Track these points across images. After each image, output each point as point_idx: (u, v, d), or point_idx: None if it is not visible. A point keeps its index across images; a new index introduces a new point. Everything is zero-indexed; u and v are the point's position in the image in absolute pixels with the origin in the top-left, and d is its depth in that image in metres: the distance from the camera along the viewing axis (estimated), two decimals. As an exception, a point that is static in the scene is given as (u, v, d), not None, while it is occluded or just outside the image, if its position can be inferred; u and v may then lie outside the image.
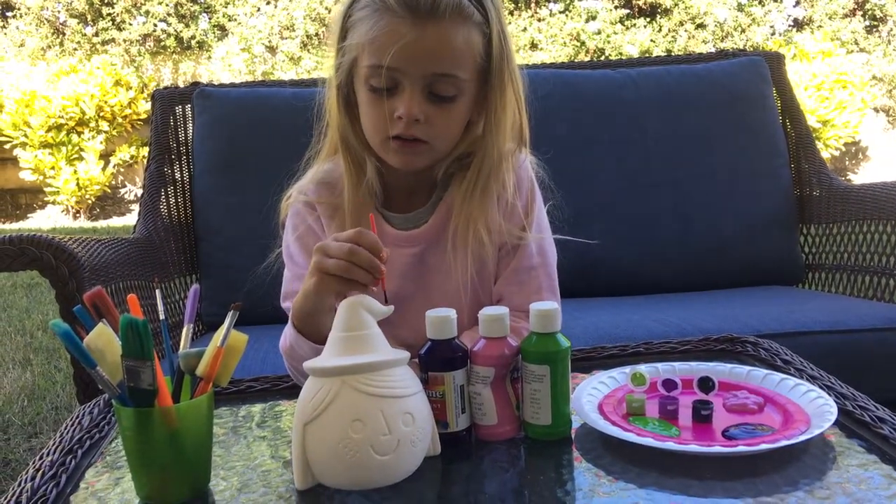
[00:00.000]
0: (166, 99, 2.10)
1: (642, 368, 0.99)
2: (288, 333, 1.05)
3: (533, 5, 7.97)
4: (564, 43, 7.68)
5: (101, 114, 6.71)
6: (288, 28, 7.63)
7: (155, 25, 7.74)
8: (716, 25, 7.73)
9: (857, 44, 7.88)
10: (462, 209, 1.12)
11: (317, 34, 7.61)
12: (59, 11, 7.76)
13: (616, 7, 7.81)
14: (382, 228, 1.15)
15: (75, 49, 7.70)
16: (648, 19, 7.93)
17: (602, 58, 7.27)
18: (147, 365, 0.72)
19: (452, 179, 1.16)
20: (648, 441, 0.81)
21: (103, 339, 0.75)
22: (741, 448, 0.79)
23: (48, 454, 0.88)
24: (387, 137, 1.05)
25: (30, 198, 7.12)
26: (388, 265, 1.14)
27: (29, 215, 7.02)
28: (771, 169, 2.12)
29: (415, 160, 1.08)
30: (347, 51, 1.06)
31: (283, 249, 1.20)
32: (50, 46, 7.72)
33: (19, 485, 0.81)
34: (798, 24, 8.04)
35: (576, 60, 6.87)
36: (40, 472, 0.83)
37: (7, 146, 6.60)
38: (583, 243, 1.42)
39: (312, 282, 0.94)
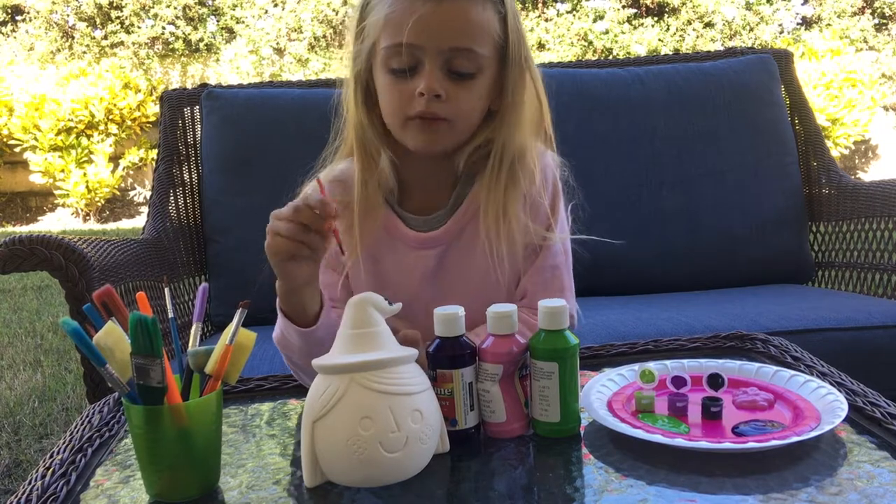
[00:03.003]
0: (175, 100, 2.10)
1: (651, 365, 0.98)
2: (278, 322, 1.05)
3: (540, 5, 7.97)
4: (572, 43, 7.67)
5: (111, 117, 6.74)
6: (295, 30, 7.65)
7: (163, 28, 7.77)
8: (724, 24, 7.71)
9: (866, 42, 7.85)
10: (490, 201, 1.12)
11: (324, 36, 7.62)
12: (68, 15, 7.80)
13: (624, 7, 7.80)
14: (400, 231, 1.15)
15: (84, 52, 7.74)
16: (656, 19, 7.92)
17: (610, 57, 7.26)
18: (156, 362, 0.73)
19: (475, 177, 1.15)
20: (658, 438, 0.80)
21: (113, 337, 0.75)
22: (751, 444, 0.79)
23: (58, 452, 0.89)
24: (407, 118, 1.06)
25: (40, 200, 7.16)
26: (406, 269, 1.14)
27: (39, 218, 7.05)
28: (780, 167, 2.11)
29: (436, 139, 1.07)
30: (367, 35, 1.07)
31: None
32: (59, 50, 7.76)
33: (30, 483, 0.81)
34: (806, 23, 8.01)
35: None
36: (51, 471, 0.84)
37: (17, 149, 6.64)
38: (594, 243, 1.42)
39: (265, 244, 0.96)
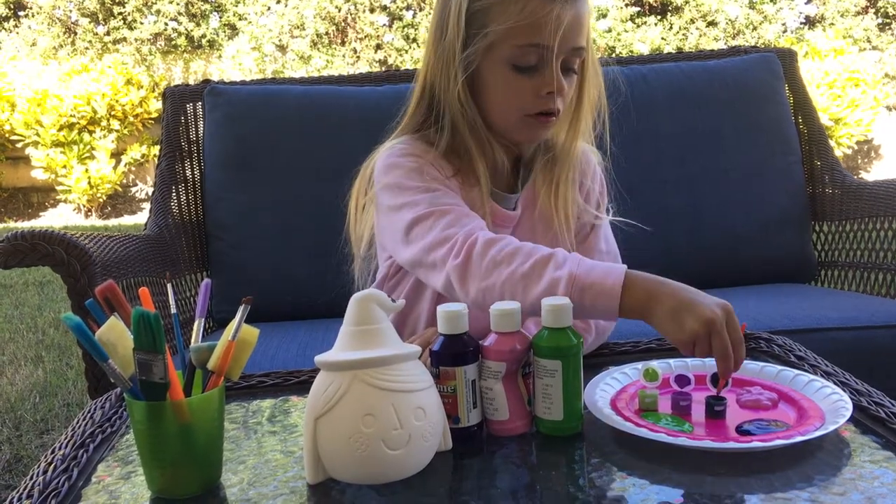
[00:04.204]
0: (177, 97, 2.10)
1: (655, 364, 0.98)
2: (605, 284, 0.95)
3: (543, 3, 7.93)
4: (574, 41, 7.64)
5: (113, 113, 6.74)
6: (298, 27, 7.64)
7: (166, 24, 7.76)
8: (727, 23, 7.70)
9: (869, 41, 7.83)
10: (555, 182, 1.18)
11: (327, 33, 7.61)
12: (70, 11, 7.79)
13: (626, 5, 7.78)
14: (494, 210, 1.17)
15: (87, 48, 7.73)
16: (659, 17, 7.90)
17: (613, 55, 7.25)
18: (159, 358, 0.72)
19: (536, 163, 1.20)
20: (661, 437, 0.80)
21: (115, 333, 0.75)
22: (755, 444, 0.78)
23: (60, 448, 0.89)
24: (526, 114, 1.09)
25: (42, 196, 7.15)
26: None
27: (41, 214, 7.05)
28: (783, 166, 2.11)
29: (544, 133, 1.14)
30: (483, 37, 1.07)
31: (386, 194, 1.13)
32: (62, 45, 7.75)
33: (31, 478, 0.81)
34: (810, 22, 7.99)
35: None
36: (52, 466, 0.84)
37: (19, 145, 6.63)
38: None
39: (695, 326, 0.89)
